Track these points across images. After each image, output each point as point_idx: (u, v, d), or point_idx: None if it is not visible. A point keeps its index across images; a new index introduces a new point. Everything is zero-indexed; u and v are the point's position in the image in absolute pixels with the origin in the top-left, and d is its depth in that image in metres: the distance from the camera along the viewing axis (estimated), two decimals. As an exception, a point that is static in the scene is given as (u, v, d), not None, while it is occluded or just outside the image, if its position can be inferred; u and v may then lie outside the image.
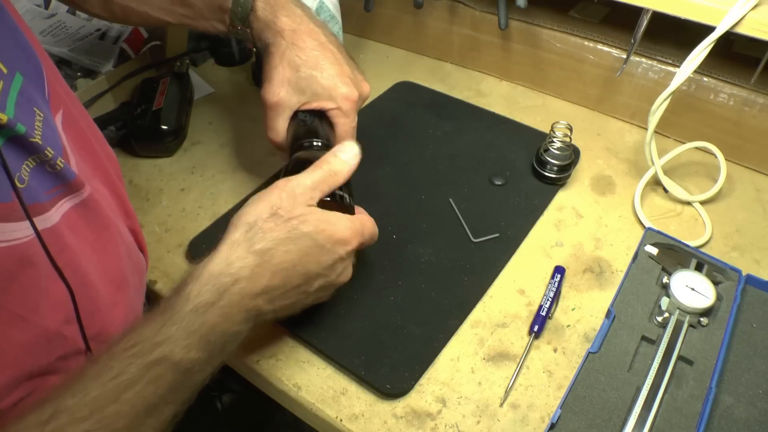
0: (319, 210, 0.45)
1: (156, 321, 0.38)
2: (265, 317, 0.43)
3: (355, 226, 0.47)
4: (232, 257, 0.41)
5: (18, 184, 0.35)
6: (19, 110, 0.36)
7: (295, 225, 0.43)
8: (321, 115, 0.56)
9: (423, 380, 0.50)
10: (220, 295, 0.39)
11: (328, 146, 0.54)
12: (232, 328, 0.40)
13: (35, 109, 0.38)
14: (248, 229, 0.42)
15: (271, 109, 0.55)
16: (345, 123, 0.56)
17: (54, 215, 0.39)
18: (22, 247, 0.35)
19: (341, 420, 0.48)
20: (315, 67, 0.54)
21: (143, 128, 0.71)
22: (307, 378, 0.51)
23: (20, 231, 0.35)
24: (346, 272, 0.48)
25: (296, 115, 0.56)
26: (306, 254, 0.43)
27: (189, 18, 0.60)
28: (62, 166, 0.39)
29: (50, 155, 0.37)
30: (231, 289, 0.40)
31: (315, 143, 0.54)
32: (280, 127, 0.56)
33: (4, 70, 0.36)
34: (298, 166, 0.49)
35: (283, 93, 0.55)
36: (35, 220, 0.36)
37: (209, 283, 0.39)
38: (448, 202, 0.65)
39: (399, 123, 0.77)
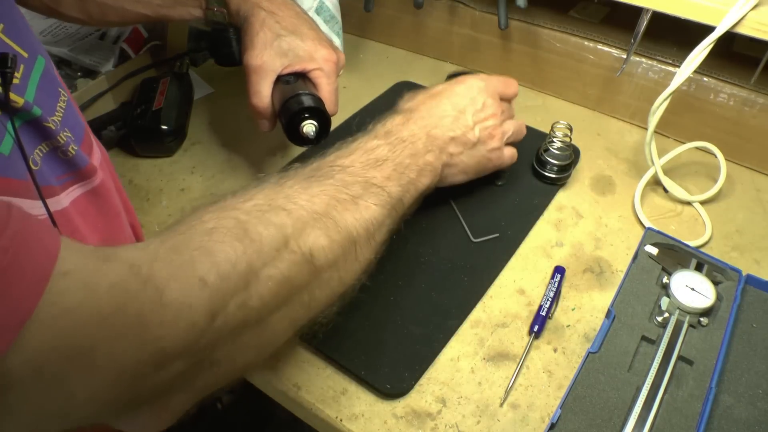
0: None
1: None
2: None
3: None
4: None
5: (32, 166, 0.35)
6: (41, 93, 0.36)
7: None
8: (303, 77, 0.58)
9: (423, 380, 0.50)
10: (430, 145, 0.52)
11: (315, 97, 0.55)
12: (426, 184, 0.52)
13: (59, 89, 0.39)
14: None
15: (255, 73, 0.56)
16: (328, 83, 0.58)
17: (64, 199, 0.40)
18: None
19: (341, 420, 0.48)
20: (295, 32, 0.57)
21: (143, 128, 0.72)
22: (307, 378, 0.51)
23: (35, 209, 0.36)
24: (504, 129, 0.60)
25: (279, 79, 0.57)
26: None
27: (165, 7, 0.61)
28: (74, 152, 0.39)
29: (62, 141, 0.38)
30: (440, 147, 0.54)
31: (304, 93, 0.55)
32: (265, 91, 0.56)
33: (25, 55, 0.37)
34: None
35: (267, 56, 0.56)
36: (47, 201, 0.37)
37: (425, 140, 0.52)
38: (448, 202, 0.65)
39: (399, 123, 0.77)
